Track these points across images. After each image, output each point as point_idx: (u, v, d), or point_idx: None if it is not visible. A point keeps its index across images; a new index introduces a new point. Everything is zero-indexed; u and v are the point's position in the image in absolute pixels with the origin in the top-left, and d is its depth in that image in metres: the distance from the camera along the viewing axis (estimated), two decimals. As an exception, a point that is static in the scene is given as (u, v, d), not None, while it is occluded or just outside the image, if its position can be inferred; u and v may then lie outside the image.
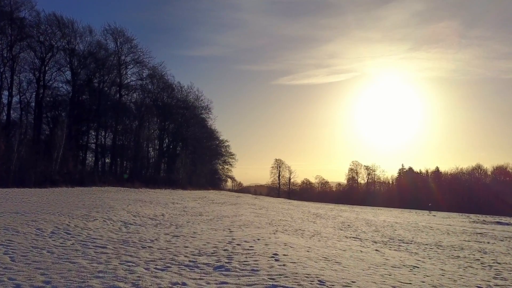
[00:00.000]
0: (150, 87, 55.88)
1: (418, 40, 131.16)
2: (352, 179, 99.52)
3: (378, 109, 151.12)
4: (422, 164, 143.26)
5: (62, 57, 46.55)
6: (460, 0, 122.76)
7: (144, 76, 53.56)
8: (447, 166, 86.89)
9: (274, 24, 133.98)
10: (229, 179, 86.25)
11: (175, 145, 62.03)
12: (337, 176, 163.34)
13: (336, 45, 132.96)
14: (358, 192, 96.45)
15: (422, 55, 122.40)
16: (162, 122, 58.66)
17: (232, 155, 78.90)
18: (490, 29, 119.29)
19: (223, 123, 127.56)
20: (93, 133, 50.61)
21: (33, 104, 44.36)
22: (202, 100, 59.52)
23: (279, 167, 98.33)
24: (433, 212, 43.41)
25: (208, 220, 14.65)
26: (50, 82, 46.12)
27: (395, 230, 18.56)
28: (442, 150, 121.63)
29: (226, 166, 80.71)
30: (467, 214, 42.81)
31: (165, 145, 60.27)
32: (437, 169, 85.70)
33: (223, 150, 78.00)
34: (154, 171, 55.32)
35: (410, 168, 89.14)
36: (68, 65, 47.67)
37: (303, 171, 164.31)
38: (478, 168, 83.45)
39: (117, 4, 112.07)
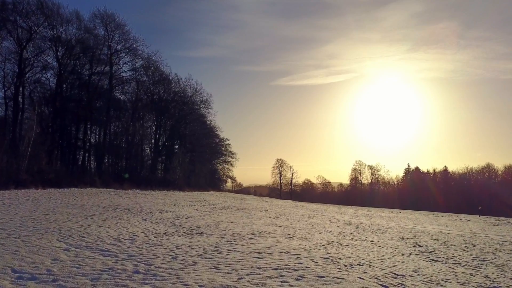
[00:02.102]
0: (144, 79, 48.74)
1: (417, 41, 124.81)
2: (355, 179, 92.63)
3: (378, 109, 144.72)
4: (423, 164, 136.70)
5: (46, 46, 39.45)
6: (459, 1, 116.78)
7: (138, 66, 46.40)
8: (445, 166, 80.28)
9: (273, 25, 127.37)
10: (229, 180, 79.14)
11: (172, 143, 54.85)
12: (338, 176, 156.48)
13: (335, 46, 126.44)
14: (362, 192, 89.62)
15: (421, 55, 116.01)
16: (158, 118, 51.56)
17: (233, 154, 71.88)
18: (489, 30, 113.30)
19: (222, 124, 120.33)
20: (81, 129, 43.47)
21: (20, 98, 37.41)
22: (201, 93, 52.39)
23: (281, 167, 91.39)
24: (466, 216, 36.53)
25: (213, 251, 7.61)
26: (33, 74, 38.98)
27: (495, 253, 11.59)
28: (441, 150, 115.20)
29: (227, 166, 73.62)
30: (505, 218, 35.93)
31: (161, 143, 53.07)
32: (445, 168, 78.97)
33: (223, 149, 70.96)
34: (149, 170, 48.13)
35: (417, 168, 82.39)
36: (54, 54, 40.53)
37: (304, 171, 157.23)
38: (487, 168, 76.84)
39: (115, 4, 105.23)
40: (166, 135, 53.10)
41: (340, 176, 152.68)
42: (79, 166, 39.38)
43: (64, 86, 42.03)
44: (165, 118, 52.19)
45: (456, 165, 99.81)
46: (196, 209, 19.10)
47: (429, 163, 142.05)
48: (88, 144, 42.18)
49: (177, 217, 14.41)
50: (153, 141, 52.10)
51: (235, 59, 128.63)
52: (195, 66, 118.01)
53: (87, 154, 43.07)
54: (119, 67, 46.04)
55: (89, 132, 44.85)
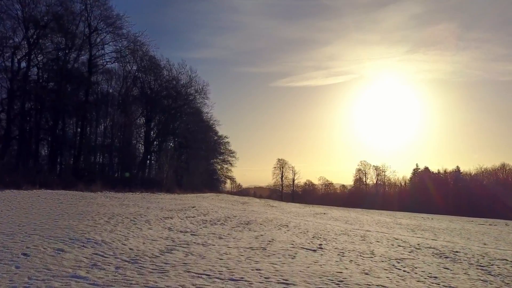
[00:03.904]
0: (131, 61, 39.69)
1: (416, 42, 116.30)
2: (359, 180, 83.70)
3: (377, 111, 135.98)
4: (421, 165, 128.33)
5: (14, 24, 30.57)
6: (458, 2, 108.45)
7: (122, 47, 37.33)
8: (457, 166, 71.56)
9: (273, 27, 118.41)
10: (228, 180, 70.01)
11: (164, 139, 45.63)
12: (339, 178, 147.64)
13: (335, 47, 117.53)
14: (367, 194, 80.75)
15: (420, 57, 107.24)
16: (149, 111, 42.46)
17: (232, 153, 62.88)
18: (488, 31, 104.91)
19: (221, 125, 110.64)
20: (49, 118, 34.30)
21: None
22: (196, 81, 43.23)
23: (282, 167, 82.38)
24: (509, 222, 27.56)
25: None
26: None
27: None
28: (440, 152, 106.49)
29: (226, 166, 64.55)
30: None
31: (151, 138, 43.90)
32: (458, 168, 70.09)
33: (222, 147, 61.94)
34: (138, 169, 39.04)
35: (426, 168, 73.46)
36: (22, 33, 31.57)
37: (304, 173, 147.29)
38: (502, 168, 68.17)
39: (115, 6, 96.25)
40: (158, 128, 44.00)
41: (341, 177, 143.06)
42: (36, 162, 30.09)
43: (35, 71, 33.12)
44: (157, 110, 43.14)
45: (453, 166, 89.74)
46: (168, 228, 10.13)
47: (428, 164, 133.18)
48: (55, 136, 32.96)
49: (99, 260, 5.46)
50: (143, 135, 43.15)
51: (235, 60, 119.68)
52: (194, 67, 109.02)
53: (55, 149, 33.89)
54: (99, 48, 37.01)
55: (73, 126, 35.79)
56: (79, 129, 36.17)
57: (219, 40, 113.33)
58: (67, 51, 34.33)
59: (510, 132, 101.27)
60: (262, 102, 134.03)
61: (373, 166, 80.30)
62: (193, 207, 17.92)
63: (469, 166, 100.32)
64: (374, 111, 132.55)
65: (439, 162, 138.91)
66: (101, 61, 36.65)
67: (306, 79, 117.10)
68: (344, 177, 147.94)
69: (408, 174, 79.01)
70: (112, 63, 37.02)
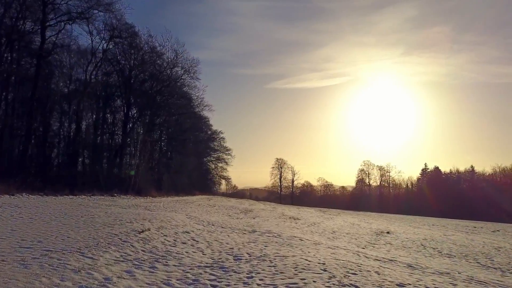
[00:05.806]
0: (104, 33, 29.25)
1: (411, 44, 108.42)
2: (361, 181, 73.80)
3: (373, 112, 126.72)
4: (419, 166, 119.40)
5: None
6: (452, 5, 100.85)
7: (85, 7, 26.77)
8: (472, 165, 62.51)
9: (269, 29, 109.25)
10: (223, 181, 59.45)
11: (150, 129, 34.85)
12: (336, 179, 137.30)
13: (331, 49, 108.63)
14: (370, 196, 70.91)
15: (415, 59, 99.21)
16: (127, 93, 31.84)
17: (228, 150, 52.50)
18: (482, 34, 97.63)
19: (218, 127, 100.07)
20: None
21: None
22: (184, 57, 32.61)
23: (281, 167, 72.14)
24: None
25: None
26: None
27: None
28: (438, 152, 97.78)
29: (220, 165, 54.07)
30: None
31: (129, 128, 33.14)
32: (472, 168, 60.66)
33: (216, 143, 51.58)
34: (109, 165, 28.36)
35: (437, 168, 63.92)
36: None
37: (301, 174, 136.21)
38: (520, 168, 58.82)
39: None
40: (138, 115, 33.36)
41: (339, 179, 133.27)
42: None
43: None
44: (136, 94, 32.56)
45: (499, 163, 79.74)
46: None
47: (432, 164, 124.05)
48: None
49: None
50: (120, 122, 32.54)
51: (231, 62, 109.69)
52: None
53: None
54: (54, 6, 26.43)
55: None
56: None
57: (215, 42, 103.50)
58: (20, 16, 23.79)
59: (504, 134, 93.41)
60: (258, 103, 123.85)
61: (377, 166, 70.53)
62: (142, 231, 7.56)
63: (502, 164, 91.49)
64: (369, 113, 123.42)
65: (437, 162, 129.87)
66: (56, 20, 26.15)
67: (302, 81, 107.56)
68: (341, 179, 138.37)
69: (411, 175, 69.72)
70: (71, 24, 26.45)
